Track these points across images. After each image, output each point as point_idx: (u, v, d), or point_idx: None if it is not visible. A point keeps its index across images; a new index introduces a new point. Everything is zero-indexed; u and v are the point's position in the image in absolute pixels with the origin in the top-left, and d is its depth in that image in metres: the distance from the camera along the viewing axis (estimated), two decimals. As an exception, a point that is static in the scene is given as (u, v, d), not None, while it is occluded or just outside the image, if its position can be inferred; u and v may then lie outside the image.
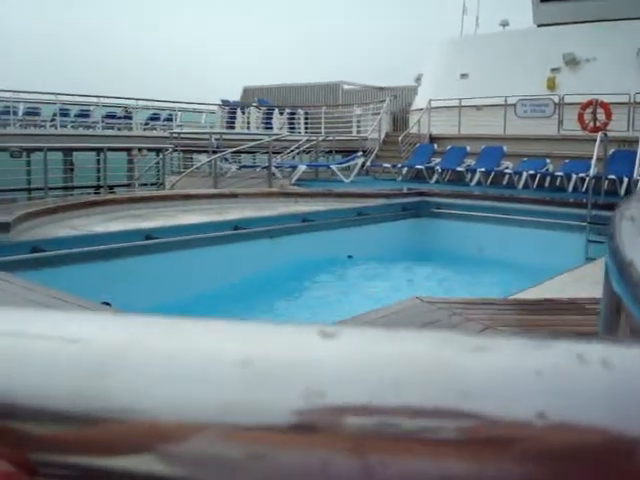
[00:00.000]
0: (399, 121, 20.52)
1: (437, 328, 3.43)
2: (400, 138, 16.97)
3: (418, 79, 20.60)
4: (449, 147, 16.00)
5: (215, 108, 22.27)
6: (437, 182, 14.77)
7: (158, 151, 14.84)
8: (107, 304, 5.44)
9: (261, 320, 0.38)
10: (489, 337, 0.31)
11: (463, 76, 17.85)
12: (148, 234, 7.55)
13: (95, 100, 22.64)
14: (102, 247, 6.92)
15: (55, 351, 0.36)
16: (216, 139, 15.70)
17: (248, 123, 20.71)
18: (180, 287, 7.08)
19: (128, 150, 14.83)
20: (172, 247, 7.62)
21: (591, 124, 14.64)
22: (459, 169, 14.84)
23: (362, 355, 0.31)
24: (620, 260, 0.72)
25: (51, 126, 20.63)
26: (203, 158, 15.43)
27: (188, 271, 7.51)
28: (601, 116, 14.62)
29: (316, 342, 0.32)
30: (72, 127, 21.39)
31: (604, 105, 14.51)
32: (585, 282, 6.04)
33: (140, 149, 14.64)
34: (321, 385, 0.30)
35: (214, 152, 14.36)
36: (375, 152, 17.63)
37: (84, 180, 15.10)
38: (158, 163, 14.80)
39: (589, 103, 14.71)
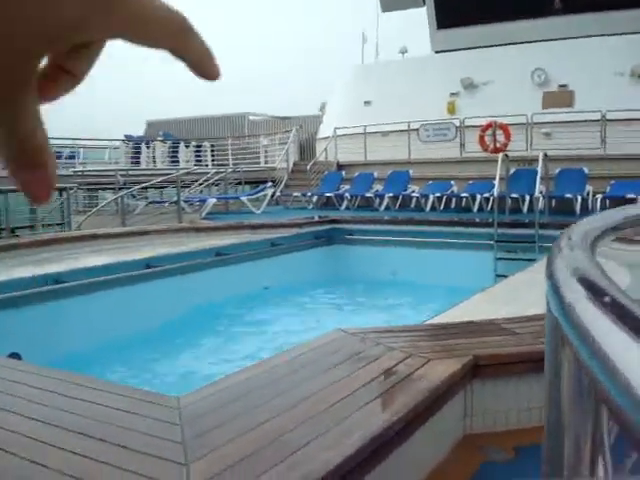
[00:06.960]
0: (306, 150, 20.69)
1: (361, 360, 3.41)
2: (308, 167, 17.10)
3: (322, 108, 20.87)
4: (357, 174, 16.22)
5: (118, 144, 21.82)
6: (347, 208, 14.94)
7: (61, 190, 14.35)
8: (17, 356, 5.17)
9: None
10: None
11: (367, 103, 18.18)
12: (56, 278, 7.26)
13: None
14: (7, 295, 6.60)
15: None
16: (122, 175, 15.36)
17: (154, 158, 20.40)
18: (93, 332, 6.82)
19: (29, 191, 14.24)
20: (82, 290, 7.35)
21: (492, 145, 15.16)
22: (368, 195, 15.05)
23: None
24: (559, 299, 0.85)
25: (-56, 169, 19.74)
26: (109, 196, 15.05)
27: (101, 315, 7.25)
28: (501, 137, 15.16)
29: None
30: (-33, 169, 20.53)
31: (503, 127, 15.06)
32: (499, 301, 6.19)
33: (42, 189, 14.07)
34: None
35: (120, 189, 14.03)
36: (284, 181, 17.68)
37: (-17, 224, 14.41)
38: (62, 203, 14.32)
39: (489, 125, 15.24)
